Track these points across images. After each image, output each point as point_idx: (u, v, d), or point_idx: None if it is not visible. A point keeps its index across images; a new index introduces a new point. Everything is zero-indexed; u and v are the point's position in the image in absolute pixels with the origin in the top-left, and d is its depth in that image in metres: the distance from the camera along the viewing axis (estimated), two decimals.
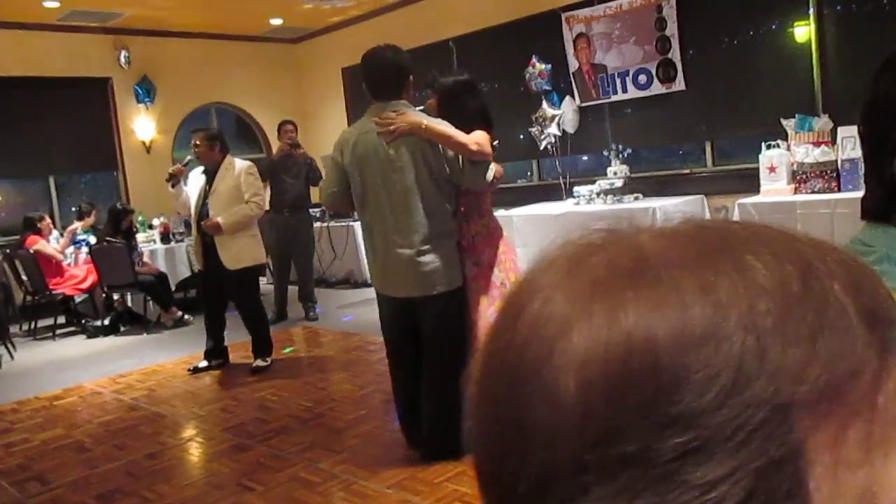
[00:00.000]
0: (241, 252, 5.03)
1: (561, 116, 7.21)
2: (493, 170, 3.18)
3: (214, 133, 5.26)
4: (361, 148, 3.22)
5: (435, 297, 3.21)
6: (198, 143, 5.06)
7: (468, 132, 3.14)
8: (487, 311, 3.20)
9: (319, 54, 10.42)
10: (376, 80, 3.25)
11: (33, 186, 9.01)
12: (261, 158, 9.72)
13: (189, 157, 5.16)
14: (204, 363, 5.40)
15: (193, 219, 5.18)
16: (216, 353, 5.45)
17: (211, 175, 5.06)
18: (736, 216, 5.75)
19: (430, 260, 3.17)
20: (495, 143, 3.36)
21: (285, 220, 6.74)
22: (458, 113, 3.25)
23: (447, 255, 3.21)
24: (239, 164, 5.12)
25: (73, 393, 5.22)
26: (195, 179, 5.16)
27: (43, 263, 7.15)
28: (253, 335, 5.33)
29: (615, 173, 6.90)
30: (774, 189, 5.70)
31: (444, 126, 3.12)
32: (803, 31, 6.26)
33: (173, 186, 5.16)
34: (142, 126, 9.19)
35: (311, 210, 7.29)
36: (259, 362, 5.27)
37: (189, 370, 5.38)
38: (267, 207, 5.80)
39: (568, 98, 7.48)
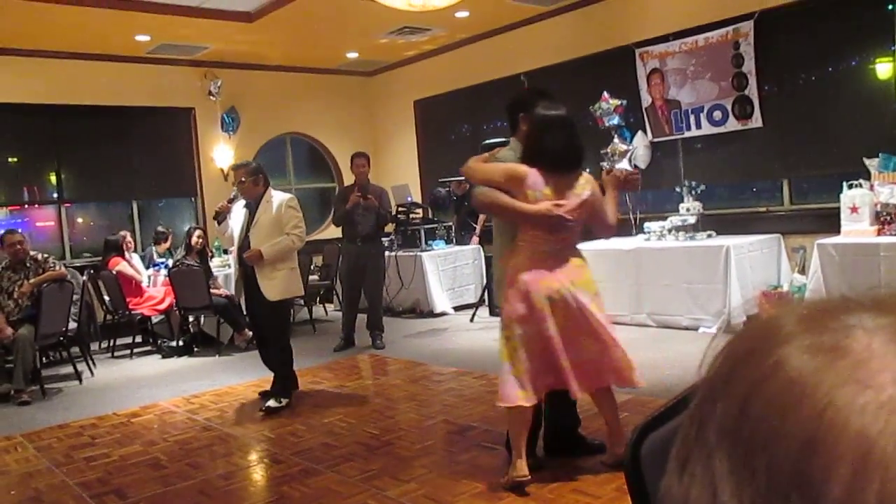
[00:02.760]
0: (281, 284, 5.05)
1: (633, 152, 7.17)
2: (475, 197, 3.45)
3: (256, 167, 5.27)
4: None
5: None
6: (243, 179, 5.08)
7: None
8: None
9: (393, 87, 10.65)
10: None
11: (117, 209, 9.43)
12: (333, 188, 9.97)
13: (234, 193, 5.22)
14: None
15: (235, 250, 5.23)
16: None
17: (253, 208, 5.10)
18: (815, 257, 5.60)
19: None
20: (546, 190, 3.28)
21: (358, 250, 6.83)
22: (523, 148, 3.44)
23: (497, 276, 3.60)
24: (279, 197, 5.14)
25: (149, 410, 5.39)
26: (238, 213, 5.22)
27: (123, 284, 7.45)
28: (275, 371, 5.20)
29: (688, 210, 6.81)
30: (856, 230, 5.54)
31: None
32: (886, 68, 6.11)
33: (220, 223, 5.24)
34: (221, 154, 9.54)
35: (382, 240, 7.35)
36: (272, 403, 5.03)
37: (260, 394, 5.47)
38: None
39: (640, 133, 7.44)
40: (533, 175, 3.25)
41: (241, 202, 5.20)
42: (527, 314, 3.26)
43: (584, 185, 3.34)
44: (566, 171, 3.31)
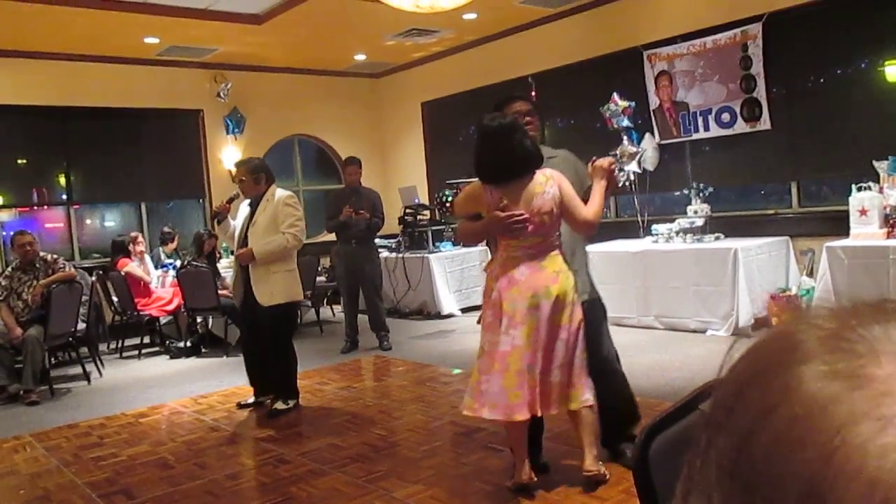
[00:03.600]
0: (276, 288, 4.82)
1: (642, 154, 7.16)
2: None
3: (257, 165, 5.07)
4: None
5: None
6: (243, 177, 4.95)
7: None
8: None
9: (400, 89, 10.66)
10: None
11: (126, 211, 9.47)
12: (338, 189, 9.97)
13: (234, 192, 5.10)
14: (251, 399, 5.24)
15: (236, 251, 5.00)
16: (265, 389, 5.19)
17: (255, 206, 4.96)
18: (823, 260, 5.58)
19: None
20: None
21: (353, 251, 6.75)
22: None
23: None
24: (279, 194, 4.95)
25: (157, 411, 5.41)
26: (243, 212, 5.07)
27: (132, 284, 7.48)
28: (277, 375, 5.05)
29: (696, 212, 6.79)
30: (865, 233, 5.52)
31: None
32: None
33: (219, 223, 5.11)
34: (229, 156, 9.56)
35: (376, 240, 7.13)
36: (279, 405, 4.97)
37: (237, 405, 5.27)
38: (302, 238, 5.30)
39: (648, 135, 7.42)
40: (485, 191, 3.25)
41: (247, 200, 5.08)
42: (493, 322, 3.27)
43: (544, 184, 3.20)
44: (511, 180, 3.21)
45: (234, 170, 9.39)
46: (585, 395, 3.22)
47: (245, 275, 4.92)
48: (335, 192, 7.36)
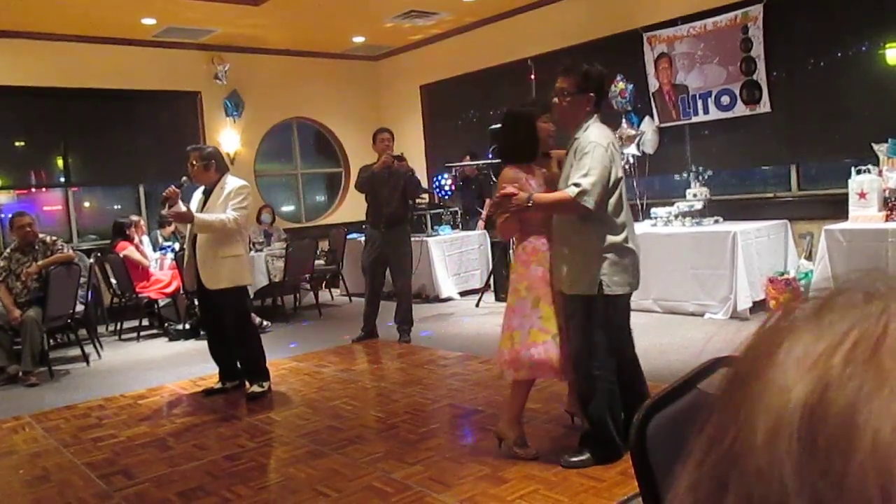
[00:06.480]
0: (221, 273, 4.88)
1: (641, 137, 7.14)
2: None
3: (209, 152, 5.09)
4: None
5: None
6: (193, 162, 4.97)
7: None
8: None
9: (399, 71, 10.60)
10: None
11: (124, 193, 9.44)
12: (339, 173, 9.93)
13: (184, 178, 5.09)
14: (218, 385, 5.26)
15: (188, 238, 5.05)
16: (230, 374, 5.26)
17: (208, 194, 5.00)
18: (822, 243, 5.58)
19: None
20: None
21: (381, 235, 6.35)
22: None
23: None
24: (233, 183, 5.00)
25: (156, 393, 5.43)
26: (196, 199, 5.08)
27: (130, 268, 7.47)
28: (242, 360, 5.13)
29: (695, 195, 6.78)
30: (864, 216, 5.51)
31: None
32: None
33: (169, 209, 5.04)
34: (227, 138, 9.53)
35: (408, 225, 6.72)
36: (255, 388, 5.02)
37: (202, 393, 5.27)
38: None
39: (647, 118, 7.40)
40: None
41: (201, 188, 5.10)
42: None
43: None
44: None
45: (232, 153, 9.44)
46: (511, 370, 3.52)
47: (196, 260, 4.97)
48: (370, 171, 6.42)
